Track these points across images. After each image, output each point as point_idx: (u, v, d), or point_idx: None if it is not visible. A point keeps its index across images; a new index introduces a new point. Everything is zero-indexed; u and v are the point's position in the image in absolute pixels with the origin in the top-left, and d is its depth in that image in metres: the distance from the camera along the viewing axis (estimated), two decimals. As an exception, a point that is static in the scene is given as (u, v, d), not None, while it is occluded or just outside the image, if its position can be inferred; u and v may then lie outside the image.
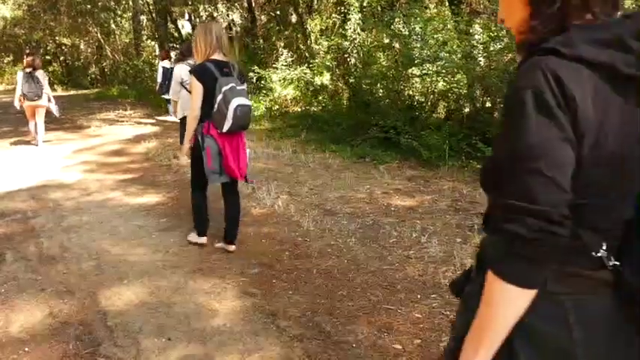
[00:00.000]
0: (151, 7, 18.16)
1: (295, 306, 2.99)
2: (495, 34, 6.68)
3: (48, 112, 8.46)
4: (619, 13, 0.96)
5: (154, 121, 11.22)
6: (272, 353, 2.53)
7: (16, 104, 8.20)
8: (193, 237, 3.93)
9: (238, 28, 15.76)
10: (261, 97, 10.73)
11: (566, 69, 0.89)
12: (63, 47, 24.26)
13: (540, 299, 0.93)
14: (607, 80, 0.90)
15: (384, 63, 8.28)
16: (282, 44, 12.01)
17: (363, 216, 4.51)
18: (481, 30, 7.27)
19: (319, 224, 4.31)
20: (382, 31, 8.39)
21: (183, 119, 4.72)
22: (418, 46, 7.30)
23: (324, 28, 11.02)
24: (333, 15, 10.73)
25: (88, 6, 18.76)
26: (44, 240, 4.15)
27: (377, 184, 5.56)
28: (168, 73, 8.75)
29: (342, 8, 9.48)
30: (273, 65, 10.60)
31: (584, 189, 0.91)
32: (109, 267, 3.60)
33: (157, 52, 17.56)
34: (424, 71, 7.27)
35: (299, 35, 12.05)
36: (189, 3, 15.49)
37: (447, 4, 8.90)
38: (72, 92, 20.17)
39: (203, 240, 3.90)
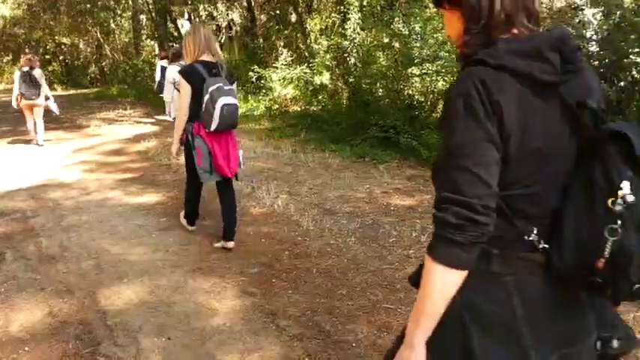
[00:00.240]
0: (150, 7, 18.16)
1: (295, 305, 2.99)
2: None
3: (48, 111, 8.46)
4: (541, 29, 1.12)
5: (153, 120, 11.20)
6: (272, 352, 2.53)
7: (14, 104, 8.21)
8: (184, 220, 4.24)
9: (238, 28, 15.78)
10: (260, 97, 10.73)
11: (492, 77, 1.01)
12: (62, 46, 24.27)
13: (486, 281, 1.10)
14: (528, 86, 1.03)
15: (383, 62, 8.27)
16: (282, 44, 12.02)
17: (363, 215, 4.51)
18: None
19: (319, 224, 4.31)
20: (382, 30, 8.38)
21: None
22: (418, 45, 7.28)
23: (323, 27, 11.02)
24: (333, 14, 10.72)
25: (88, 5, 18.75)
26: (44, 239, 4.15)
27: (376, 183, 5.56)
28: (166, 73, 8.77)
29: (342, 7, 9.48)
30: (273, 65, 10.59)
31: (514, 182, 1.05)
32: (109, 266, 3.60)
33: (157, 52, 17.57)
34: (424, 71, 7.26)
35: (298, 35, 12.05)
36: (189, 2, 15.46)
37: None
38: (71, 92, 20.17)
39: (192, 229, 4.20)
